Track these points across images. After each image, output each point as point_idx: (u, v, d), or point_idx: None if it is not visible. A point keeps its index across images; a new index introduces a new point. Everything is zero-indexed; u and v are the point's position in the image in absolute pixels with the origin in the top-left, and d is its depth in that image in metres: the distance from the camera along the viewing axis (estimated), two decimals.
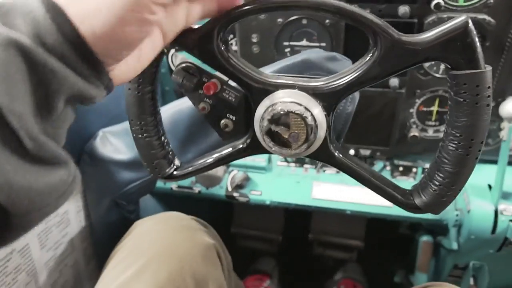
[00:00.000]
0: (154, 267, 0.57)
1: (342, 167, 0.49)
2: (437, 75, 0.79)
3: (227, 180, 0.95)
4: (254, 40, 0.83)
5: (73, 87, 0.30)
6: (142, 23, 0.33)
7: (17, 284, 0.62)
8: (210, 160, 0.53)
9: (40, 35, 0.27)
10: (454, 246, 0.84)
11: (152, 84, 0.50)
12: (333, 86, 0.45)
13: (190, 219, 0.71)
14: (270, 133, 0.46)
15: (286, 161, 0.95)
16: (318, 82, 0.46)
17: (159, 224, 0.66)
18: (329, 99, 0.45)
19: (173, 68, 0.91)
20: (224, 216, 1.46)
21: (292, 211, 1.34)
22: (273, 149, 0.47)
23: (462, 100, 0.40)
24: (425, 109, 0.84)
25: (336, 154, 0.48)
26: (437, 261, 0.99)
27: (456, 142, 0.43)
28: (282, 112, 0.45)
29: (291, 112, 0.45)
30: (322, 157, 0.49)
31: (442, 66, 0.78)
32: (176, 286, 0.56)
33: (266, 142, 0.47)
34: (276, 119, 0.45)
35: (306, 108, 0.44)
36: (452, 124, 0.43)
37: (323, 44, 0.81)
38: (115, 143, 0.67)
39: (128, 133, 0.68)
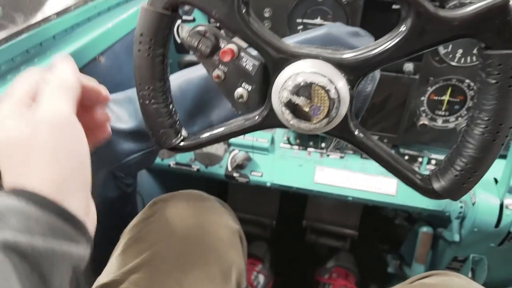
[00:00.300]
0: (179, 249, 0.55)
1: (362, 147, 0.47)
2: (453, 63, 0.76)
3: (227, 159, 0.92)
4: (266, 14, 0.79)
5: (64, 256, 0.32)
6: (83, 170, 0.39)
7: None
8: (220, 132, 0.50)
9: (28, 226, 0.30)
10: (456, 238, 0.83)
11: (163, 47, 0.46)
12: (361, 58, 0.42)
13: (214, 200, 0.68)
14: (289, 105, 0.43)
15: (289, 143, 0.92)
16: (344, 54, 0.43)
17: (184, 204, 0.63)
18: (355, 72, 0.42)
19: (178, 40, 0.87)
20: (218, 195, 1.44)
21: (287, 196, 1.32)
22: (291, 122, 0.44)
23: (494, 82, 0.38)
24: (436, 98, 0.82)
25: (356, 132, 0.46)
26: (435, 252, 0.98)
27: (483, 126, 0.41)
28: (304, 83, 0.42)
29: (314, 83, 0.42)
30: (341, 134, 0.46)
31: (458, 55, 0.76)
32: (200, 267, 0.54)
33: (284, 114, 0.44)
34: (298, 90, 0.42)
35: (330, 80, 0.42)
36: (479, 107, 0.40)
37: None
38: (117, 111, 0.63)
39: (131, 101, 0.65)
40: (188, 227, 0.58)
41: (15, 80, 0.38)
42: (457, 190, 0.45)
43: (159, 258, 0.54)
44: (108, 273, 0.57)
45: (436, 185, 0.46)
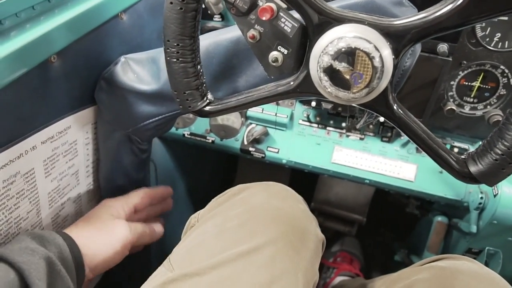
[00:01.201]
0: (270, 253, 0.50)
1: (399, 122, 0.44)
2: (489, 47, 0.73)
3: (243, 133, 0.90)
4: None
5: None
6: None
7: (18, 210, 0.57)
8: (249, 97, 0.48)
9: (61, 255, 0.54)
10: (474, 229, 0.80)
11: (198, 2, 0.43)
12: (410, 26, 0.39)
13: (304, 202, 0.64)
14: (329, 71, 0.40)
15: (309, 121, 0.89)
16: (392, 21, 0.40)
17: (276, 199, 0.58)
18: (402, 41, 0.40)
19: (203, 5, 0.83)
20: (226, 172, 1.42)
21: (297, 177, 1.30)
22: (328, 90, 0.42)
23: None
24: (466, 83, 0.78)
25: (395, 107, 0.43)
26: (447, 243, 0.96)
27: None
28: (348, 48, 0.39)
29: (359, 49, 0.39)
30: (379, 107, 0.44)
31: (496, 38, 0.72)
32: (288, 280, 0.49)
33: (322, 81, 0.41)
34: (340, 56, 0.39)
35: (375, 47, 0.39)
36: None
37: None
38: (138, 71, 0.61)
39: (154, 61, 0.62)
40: (284, 231, 0.53)
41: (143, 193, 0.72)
42: (495, 174, 0.42)
43: (248, 257, 0.50)
44: (184, 261, 0.52)
45: (473, 168, 0.43)
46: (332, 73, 0.40)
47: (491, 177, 0.43)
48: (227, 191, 0.62)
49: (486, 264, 0.86)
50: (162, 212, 0.77)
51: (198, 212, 0.61)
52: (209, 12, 0.82)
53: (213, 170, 1.36)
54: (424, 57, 0.73)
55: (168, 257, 0.54)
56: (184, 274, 0.48)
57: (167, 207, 0.79)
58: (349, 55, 0.39)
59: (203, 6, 0.84)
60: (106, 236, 0.61)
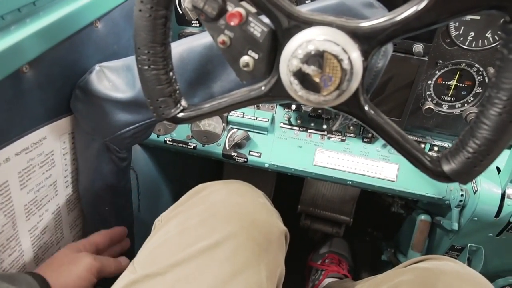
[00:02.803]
0: (231, 247, 0.51)
1: (371, 124, 0.44)
2: (464, 46, 0.74)
3: (225, 138, 0.90)
4: None
5: None
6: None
7: None
8: (223, 102, 0.48)
9: None
10: (455, 227, 0.81)
11: (167, 8, 0.43)
12: (378, 27, 0.39)
13: (264, 196, 0.66)
14: (298, 74, 0.40)
15: (290, 124, 0.89)
16: (359, 23, 0.40)
17: (235, 195, 0.60)
18: (370, 42, 0.40)
19: (180, 11, 0.83)
20: (213, 177, 1.41)
21: (283, 180, 1.30)
22: (299, 93, 0.42)
23: None
24: (443, 82, 0.80)
25: (366, 108, 0.44)
26: (432, 241, 0.97)
27: (500, 106, 0.38)
28: (316, 51, 0.39)
29: (327, 52, 0.39)
30: (351, 109, 0.44)
31: (470, 37, 0.73)
32: (251, 272, 0.50)
33: (292, 84, 0.41)
34: (308, 59, 0.39)
35: (343, 50, 0.39)
36: (498, 86, 0.38)
37: None
38: (113, 79, 0.60)
39: (129, 69, 0.62)
40: (237, 221, 0.54)
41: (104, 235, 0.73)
42: (468, 173, 0.43)
43: (210, 253, 0.51)
44: (146, 263, 0.53)
45: (446, 167, 0.44)
46: (302, 77, 0.40)
47: (464, 175, 0.44)
48: (189, 192, 0.63)
49: (469, 261, 0.87)
50: (122, 251, 0.78)
51: (161, 214, 0.62)
52: (186, 18, 0.82)
53: (200, 175, 1.35)
54: (400, 58, 0.74)
55: (132, 261, 0.55)
56: (146, 275, 0.49)
57: (126, 246, 0.80)
58: (318, 58, 0.39)
59: (180, 12, 0.84)
60: (72, 266, 0.63)
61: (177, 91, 0.48)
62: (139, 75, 0.47)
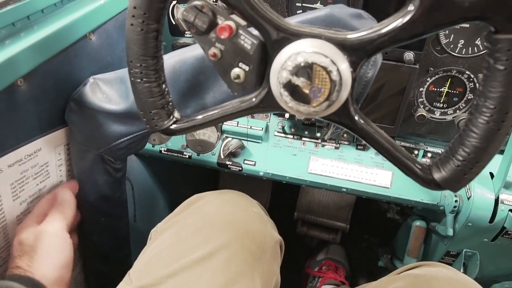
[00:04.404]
0: (226, 257, 0.51)
1: (361, 133, 0.45)
2: (454, 54, 0.75)
3: (220, 147, 0.90)
4: None
5: None
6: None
7: None
8: (215, 114, 0.48)
9: None
10: (450, 232, 0.82)
11: (158, 22, 0.44)
12: (365, 39, 0.40)
13: (258, 206, 0.66)
14: (288, 86, 0.41)
15: (284, 132, 0.90)
16: (347, 34, 0.41)
17: (229, 205, 0.60)
18: (358, 53, 0.41)
19: (173, 21, 0.84)
20: (209, 186, 1.41)
21: (279, 187, 1.30)
22: (289, 104, 0.42)
23: (502, 68, 0.36)
24: (435, 89, 0.80)
25: (356, 118, 0.44)
26: (427, 247, 0.97)
27: (488, 115, 0.39)
28: (305, 63, 0.40)
29: (316, 64, 0.40)
30: (341, 119, 0.44)
31: (460, 45, 0.74)
32: (244, 282, 0.51)
33: (282, 96, 0.42)
34: (298, 71, 0.40)
35: (332, 61, 0.40)
36: (485, 95, 0.39)
37: None
38: (107, 92, 0.61)
39: (123, 81, 0.62)
40: (231, 231, 0.55)
41: (38, 202, 0.64)
42: (458, 180, 0.43)
43: (203, 263, 0.51)
44: (140, 274, 0.53)
45: (437, 175, 0.44)
46: (291, 88, 0.41)
47: (454, 183, 0.44)
48: (184, 202, 0.64)
49: (465, 266, 0.87)
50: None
51: (157, 225, 0.63)
52: (180, 28, 0.83)
53: (196, 184, 1.35)
54: (391, 66, 0.75)
55: (128, 272, 0.55)
56: (141, 286, 0.50)
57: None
58: (307, 69, 0.40)
59: (174, 23, 0.85)
60: (46, 246, 0.58)
61: (170, 103, 0.49)
62: (132, 88, 0.47)
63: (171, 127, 0.49)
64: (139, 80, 0.46)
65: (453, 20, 0.37)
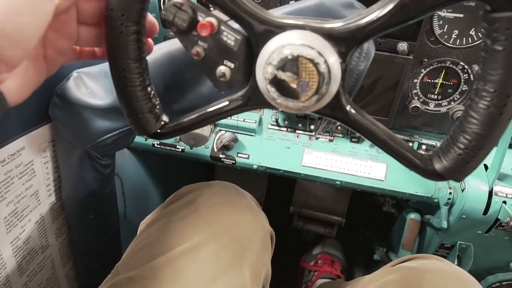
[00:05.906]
0: (214, 248, 0.51)
1: (356, 125, 0.43)
2: (448, 44, 0.73)
3: (213, 140, 0.89)
4: None
5: None
6: (36, 12, 0.32)
7: None
8: (203, 115, 0.46)
9: None
10: (444, 225, 0.81)
11: (138, 24, 0.41)
12: (352, 27, 0.38)
13: (249, 197, 0.66)
14: (275, 82, 0.39)
15: (278, 125, 0.89)
16: (334, 24, 0.39)
17: (218, 197, 0.60)
18: (346, 43, 0.39)
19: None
20: (204, 181, 1.40)
21: (274, 181, 1.29)
22: (277, 101, 0.41)
23: (501, 49, 0.34)
24: (429, 80, 0.79)
25: (349, 109, 0.42)
26: (422, 239, 0.97)
27: (488, 99, 0.36)
28: (290, 56, 0.38)
29: (301, 56, 0.38)
30: (333, 113, 0.42)
31: (454, 35, 0.72)
32: (233, 273, 0.50)
33: (270, 92, 0.40)
34: (284, 65, 0.38)
35: (319, 53, 0.38)
36: (485, 78, 0.36)
37: None
38: (91, 86, 0.59)
39: (107, 75, 0.60)
40: (220, 222, 0.54)
41: None
42: (460, 170, 0.41)
43: (191, 255, 0.50)
44: (128, 266, 0.53)
45: (438, 166, 0.42)
46: (278, 84, 0.39)
47: (457, 172, 0.42)
48: (173, 194, 0.63)
49: (459, 258, 0.86)
50: None
51: (146, 217, 0.62)
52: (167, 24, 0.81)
53: (191, 178, 1.34)
54: (385, 57, 0.73)
55: (116, 264, 0.55)
56: (129, 278, 0.49)
57: None
58: (293, 63, 0.38)
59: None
60: None
61: (157, 106, 0.47)
62: (116, 93, 0.45)
63: (159, 131, 0.47)
64: (122, 85, 0.44)
65: (445, 2, 0.35)
